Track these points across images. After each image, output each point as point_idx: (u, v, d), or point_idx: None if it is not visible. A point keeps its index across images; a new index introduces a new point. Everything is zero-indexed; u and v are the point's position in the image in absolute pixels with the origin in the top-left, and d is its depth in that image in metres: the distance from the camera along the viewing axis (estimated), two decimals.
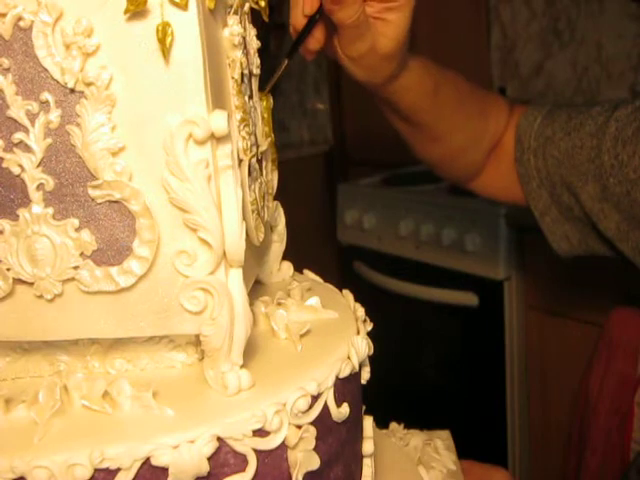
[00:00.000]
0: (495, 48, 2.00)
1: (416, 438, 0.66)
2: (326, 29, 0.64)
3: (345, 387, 0.46)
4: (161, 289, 0.42)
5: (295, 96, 2.62)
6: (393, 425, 0.70)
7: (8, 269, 0.42)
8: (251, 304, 0.45)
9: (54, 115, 0.40)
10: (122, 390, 0.41)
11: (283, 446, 0.41)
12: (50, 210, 0.41)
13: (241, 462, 0.40)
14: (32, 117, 0.40)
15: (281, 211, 0.58)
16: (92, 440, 0.38)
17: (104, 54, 0.39)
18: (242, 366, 0.43)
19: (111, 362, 0.46)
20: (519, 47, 1.94)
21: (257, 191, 0.49)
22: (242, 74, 0.46)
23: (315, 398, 0.42)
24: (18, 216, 0.41)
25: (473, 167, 0.83)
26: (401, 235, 1.67)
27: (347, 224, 1.85)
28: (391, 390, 1.57)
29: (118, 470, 0.37)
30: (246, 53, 0.48)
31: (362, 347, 0.47)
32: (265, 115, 0.53)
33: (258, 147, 0.50)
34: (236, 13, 0.46)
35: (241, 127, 0.45)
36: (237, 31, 0.45)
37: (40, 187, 0.41)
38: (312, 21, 0.62)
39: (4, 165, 0.41)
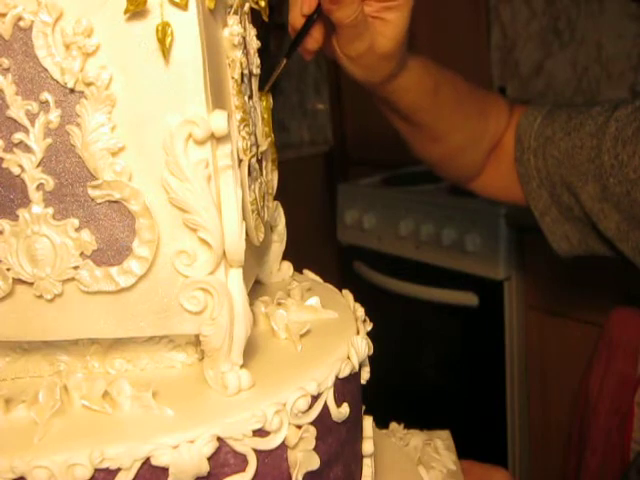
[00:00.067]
0: (495, 48, 2.00)
1: (416, 438, 0.66)
2: (325, 29, 0.64)
3: (345, 387, 0.46)
4: (161, 289, 0.42)
5: (295, 96, 2.62)
6: (393, 425, 0.70)
7: (8, 269, 0.42)
8: (251, 304, 0.45)
9: (54, 115, 0.40)
10: (122, 390, 0.41)
11: (283, 446, 0.41)
12: (50, 210, 0.41)
13: (241, 462, 0.40)
14: (32, 117, 0.40)
15: (281, 211, 0.58)
16: (92, 440, 0.38)
17: (104, 54, 0.39)
18: (242, 366, 0.43)
19: (111, 362, 0.46)
20: (519, 47, 1.94)
21: (257, 191, 0.49)
22: (242, 74, 0.46)
23: (315, 398, 0.42)
24: (18, 216, 0.41)
25: (473, 167, 0.83)
26: (401, 235, 1.67)
27: (347, 224, 1.85)
28: (391, 390, 1.57)
29: (118, 470, 0.37)
30: (246, 53, 0.48)
31: (362, 347, 0.47)
32: (265, 115, 0.53)
33: (258, 147, 0.50)
34: (236, 13, 0.46)
35: (241, 127, 0.45)
36: (237, 31, 0.45)
37: (40, 187, 0.41)
38: (310, 20, 0.62)
39: (4, 165, 0.41)
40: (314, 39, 0.64)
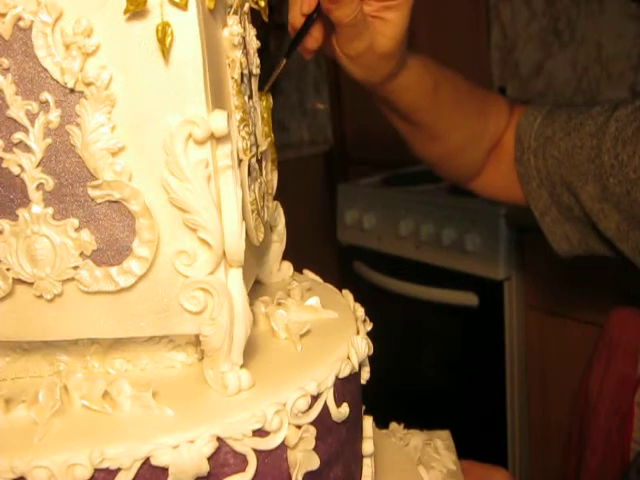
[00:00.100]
0: (495, 48, 2.00)
1: (416, 438, 0.66)
2: (324, 28, 0.64)
3: (345, 387, 0.46)
4: (161, 289, 0.42)
5: (295, 96, 2.62)
6: (393, 425, 0.70)
7: (8, 269, 0.42)
8: (251, 304, 0.45)
9: (54, 115, 0.40)
10: (122, 390, 0.41)
11: (283, 446, 0.41)
12: (50, 210, 0.41)
13: (241, 462, 0.40)
14: (32, 117, 0.40)
15: (281, 211, 0.58)
16: (92, 440, 0.38)
17: (104, 54, 0.39)
18: (242, 366, 0.43)
19: (111, 362, 0.46)
20: (519, 47, 1.94)
21: (257, 191, 0.49)
22: (242, 74, 0.46)
23: (315, 398, 0.42)
24: (18, 216, 0.41)
25: (473, 167, 0.83)
26: (401, 235, 1.67)
27: (347, 224, 1.85)
28: (391, 390, 1.57)
29: (118, 470, 0.37)
30: (246, 53, 0.48)
31: (362, 347, 0.47)
32: (265, 115, 0.53)
33: (258, 147, 0.50)
34: (236, 13, 0.46)
35: (241, 127, 0.45)
36: (237, 31, 0.45)
37: (40, 187, 0.41)
38: (310, 20, 0.62)
39: (4, 165, 0.41)
40: (314, 38, 0.64)
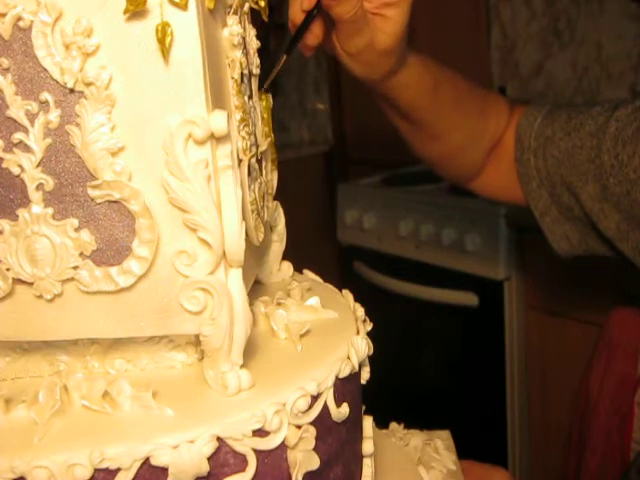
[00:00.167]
0: (495, 48, 2.00)
1: (416, 438, 0.66)
2: (324, 25, 0.64)
3: (345, 387, 0.45)
4: (161, 289, 0.42)
5: (295, 96, 2.62)
6: (393, 425, 0.70)
7: (8, 269, 0.42)
8: (251, 304, 0.45)
9: (54, 115, 0.40)
10: (122, 390, 0.41)
11: (283, 446, 0.41)
12: (50, 210, 0.41)
13: (241, 462, 0.40)
14: (32, 117, 0.40)
15: (281, 211, 0.58)
16: (92, 440, 0.38)
17: (104, 54, 0.39)
18: (242, 366, 0.43)
19: (111, 362, 0.46)
20: (519, 47, 1.94)
21: (257, 191, 0.49)
22: (242, 74, 0.46)
23: (315, 398, 0.42)
24: (18, 216, 0.41)
25: (473, 166, 0.83)
26: (401, 235, 1.67)
27: (347, 224, 1.85)
28: (391, 390, 1.57)
29: (118, 470, 0.37)
30: (246, 53, 0.48)
31: (362, 347, 0.47)
32: (265, 115, 0.53)
33: (258, 147, 0.50)
34: (236, 13, 0.46)
35: (241, 127, 0.45)
36: (237, 31, 0.45)
37: (40, 187, 0.41)
38: (310, 16, 0.62)
39: (4, 165, 0.41)
40: (314, 35, 0.64)
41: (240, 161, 0.45)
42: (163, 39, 0.38)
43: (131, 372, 0.46)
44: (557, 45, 1.86)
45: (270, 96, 0.55)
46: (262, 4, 0.52)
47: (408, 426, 0.70)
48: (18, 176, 0.41)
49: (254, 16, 0.52)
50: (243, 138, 0.45)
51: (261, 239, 0.49)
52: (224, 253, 0.42)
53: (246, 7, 0.50)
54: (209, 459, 0.38)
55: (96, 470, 0.37)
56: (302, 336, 0.48)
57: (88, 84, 0.39)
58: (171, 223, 0.41)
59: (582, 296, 1.33)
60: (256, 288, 0.55)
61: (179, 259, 0.41)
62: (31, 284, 0.42)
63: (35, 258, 0.41)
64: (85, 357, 0.46)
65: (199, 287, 0.41)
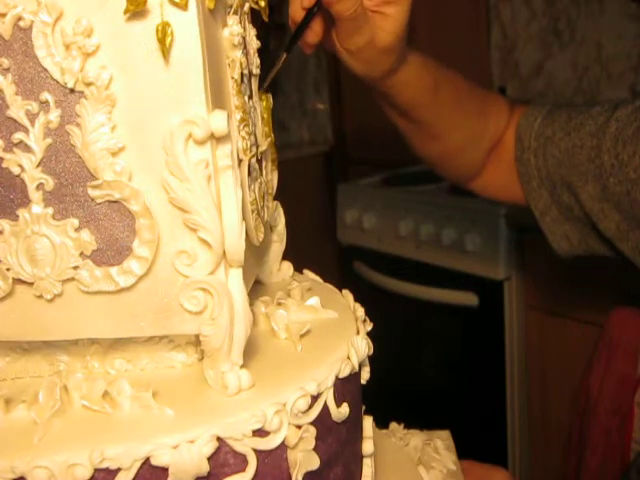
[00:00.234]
0: (495, 48, 2.00)
1: (416, 438, 0.66)
2: (325, 22, 0.64)
3: (345, 387, 0.45)
4: (161, 289, 0.42)
5: (295, 96, 2.62)
6: (393, 425, 0.70)
7: (8, 269, 0.42)
8: (251, 304, 0.45)
9: (54, 115, 0.40)
10: (122, 390, 0.41)
11: (283, 446, 0.41)
12: (50, 210, 0.41)
13: (241, 462, 0.40)
14: (32, 117, 0.40)
15: (281, 211, 0.58)
16: (92, 440, 0.38)
17: (104, 54, 0.39)
18: (242, 366, 0.43)
19: (111, 362, 0.46)
20: (519, 47, 1.94)
21: (257, 191, 0.49)
22: (242, 74, 0.46)
23: (315, 398, 0.42)
24: (18, 216, 0.41)
25: (473, 166, 0.83)
26: (401, 235, 1.67)
27: (347, 224, 1.85)
28: (391, 390, 1.57)
29: (118, 470, 0.37)
30: (246, 53, 0.48)
31: (362, 347, 0.47)
32: (265, 115, 0.53)
33: (258, 147, 0.50)
34: (236, 13, 0.46)
35: (241, 127, 0.45)
36: (237, 31, 0.45)
37: (40, 187, 0.41)
38: (311, 13, 0.62)
39: (4, 165, 0.41)
40: (314, 32, 0.64)
41: (240, 161, 0.45)
42: (163, 39, 0.38)
43: (131, 372, 0.46)
44: (557, 45, 1.86)
45: (270, 96, 0.55)
46: (262, 4, 0.52)
47: (408, 426, 0.70)
48: (18, 176, 0.41)
49: (254, 16, 0.52)
50: (243, 138, 0.45)
51: (261, 239, 0.49)
52: (224, 253, 0.42)
53: (246, 7, 0.50)
54: (209, 459, 0.38)
55: (96, 470, 0.37)
56: (302, 336, 0.48)
57: (88, 84, 0.39)
58: (171, 223, 0.41)
59: (582, 296, 1.33)
60: (256, 288, 0.55)
61: (179, 259, 0.41)
62: (31, 284, 0.42)
63: (35, 258, 0.41)
64: (85, 357, 0.46)
65: (199, 287, 0.41)
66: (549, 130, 0.79)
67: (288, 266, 0.59)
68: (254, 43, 0.51)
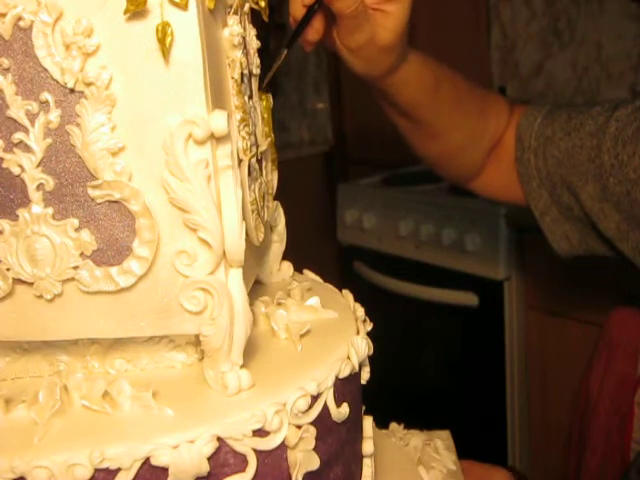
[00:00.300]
0: (495, 48, 2.00)
1: (416, 438, 0.66)
2: (325, 20, 0.64)
3: (345, 387, 0.45)
4: (161, 289, 0.42)
5: (295, 96, 2.62)
6: (393, 425, 0.70)
7: (8, 269, 0.42)
8: (251, 304, 0.45)
9: (54, 115, 0.40)
10: (122, 390, 0.41)
11: (283, 446, 0.41)
12: (50, 210, 0.41)
13: (241, 462, 0.40)
14: (32, 117, 0.40)
15: (281, 211, 0.58)
16: (92, 440, 0.38)
17: (104, 54, 0.39)
18: (242, 366, 0.43)
19: (111, 362, 0.46)
20: (519, 47, 1.94)
21: (257, 191, 0.49)
22: (242, 74, 0.46)
23: (315, 398, 0.42)
24: (18, 216, 0.41)
25: (473, 166, 0.83)
26: (401, 235, 1.67)
27: (347, 224, 1.85)
28: (391, 390, 1.57)
29: (118, 470, 0.37)
30: (246, 53, 0.48)
31: (362, 347, 0.47)
32: (265, 115, 0.53)
33: (258, 147, 0.50)
34: (236, 13, 0.46)
35: (241, 127, 0.45)
36: (237, 31, 0.45)
37: (40, 187, 0.41)
38: (311, 11, 0.62)
39: (4, 165, 0.41)
40: (315, 30, 0.64)
41: (240, 161, 0.45)
42: (163, 39, 0.38)
43: (131, 372, 0.46)
44: (557, 45, 1.86)
45: (270, 96, 0.55)
46: (262, 4, 0.52)
47: (408, 426, 0.70)
48: (18, 176, 0.41)
49: (254, 16, 0.52)
50: (243, 138, 0.45)
51: (261, 239, 0.49)
52: (224, 253, 0.42)
53: (246, 7, 0.50)
54: (209, 459, 0.38)
55: (96, 470, 0.37)
56: (302, 336, 0.48)
57: (88, 84, 0.39)
58: (171, 223, 0.41)
59: (582, 296, 1.33)
60: (256, 288, 0.55)
61: (179, 259, 0.41)
62: (31, 284, 0.42)
63: (35, 258, 0.41)
64: (85, 357, 0.46)
65: (199, 287, 0.41)
66: (549, 130, 0.79)
67: (288, 266, 0.59)
68: (254, 43, 0.51)
